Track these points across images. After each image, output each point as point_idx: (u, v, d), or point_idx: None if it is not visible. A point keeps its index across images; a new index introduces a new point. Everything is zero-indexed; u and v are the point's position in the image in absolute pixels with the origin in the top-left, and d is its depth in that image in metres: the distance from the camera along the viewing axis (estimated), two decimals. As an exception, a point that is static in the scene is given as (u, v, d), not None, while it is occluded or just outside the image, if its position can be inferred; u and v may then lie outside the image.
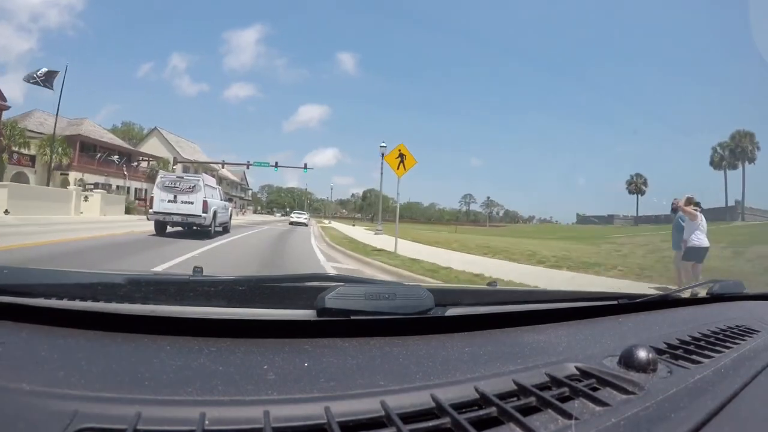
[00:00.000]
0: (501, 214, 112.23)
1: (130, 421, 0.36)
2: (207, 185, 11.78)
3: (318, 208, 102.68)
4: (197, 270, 0.91)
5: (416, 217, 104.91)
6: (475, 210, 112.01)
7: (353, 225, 40.42)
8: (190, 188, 11.34)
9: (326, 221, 49.71)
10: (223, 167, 40.89)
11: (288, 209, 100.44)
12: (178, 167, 35.30)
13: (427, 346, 0.65)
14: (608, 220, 74.32)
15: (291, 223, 31.22)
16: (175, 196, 11.25)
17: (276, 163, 32.95)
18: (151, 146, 41.28)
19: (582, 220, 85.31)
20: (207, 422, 0.38)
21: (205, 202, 11.25)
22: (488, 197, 79.67)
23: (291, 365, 0.52)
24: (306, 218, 35.64)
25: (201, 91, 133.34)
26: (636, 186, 66.01)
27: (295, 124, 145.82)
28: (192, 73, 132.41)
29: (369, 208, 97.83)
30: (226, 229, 14.32)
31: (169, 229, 11.78)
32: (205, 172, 13.89)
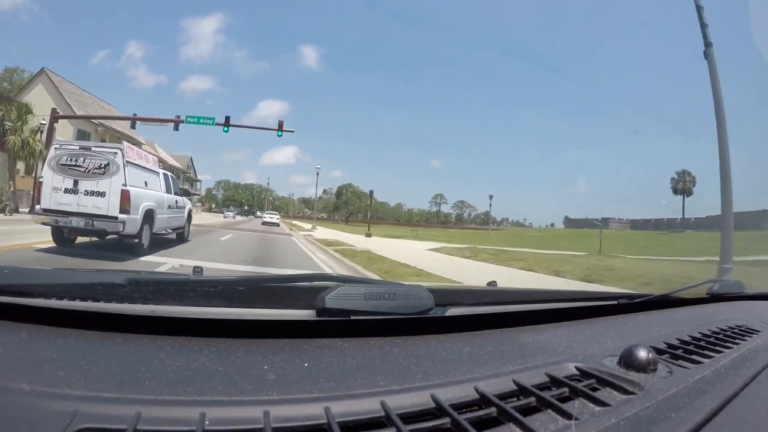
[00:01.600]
0: (471, 216, 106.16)
1: (130, 422, 0.36)
2: (131, 163, 6.83)
3: (280, 207, 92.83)
4: (197, 270, 0.91)
5: (385, 218, 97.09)
6: (444, 211, 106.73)
7: (368, 235, 23.87)
8: (99, 168, 6.42)
9: (308, 226, 32.43)
10: (133, 126, 22.60)
11: (246, 207, 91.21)
12: (65, 129, 20.74)
13: (427, 346, 0.65)
14: (604, 223, 70.05)
15: (263, 223, 30.61)
16: (75, 183, 6.38)
17: (227, 119, 18.95)
18: (35, 98, 22.87)
19: (574, 223, 79.51)
20: (207, 422, 0.38)
21: (125, 194, 6.37)
22: (491, 196, 67.72)
23: (291, 365, 0.52)
24: (278, 218, 35.23)
25: (158, 83, 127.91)
26: (684, 185, 55.88)
27: (254, 120, 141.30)
28: (148, 63, 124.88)
29: (345, 206, 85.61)
30: (181, 237, 9.76)
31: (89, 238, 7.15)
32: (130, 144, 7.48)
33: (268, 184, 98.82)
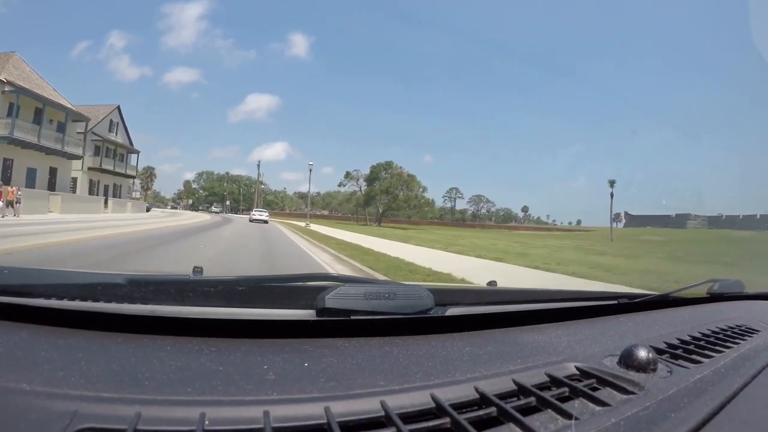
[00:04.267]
0: (489, 212, 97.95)
1: (130, 422, 0.36)
2: None
3: (273, 202, 79.22)
4: (197, 270, 0.91)
5: (396, 217, 71.17)
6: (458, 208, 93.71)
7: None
8: None
9: (364, 242, 14.08)
10: None
11: (228, 202, 78.48)
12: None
13: (427, 346, 0.65)
14: (680, 221, 57.75)
15: (252, 221, 29.93)
16: None
17: None
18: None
19: (638, 221, 63.45)
20: (207, 422, 0.38)
21: None
22: (612, 181, 42.03)
23: (291, 365, 0.52)
24: (267, 216, 33.92)
25: (142, 76, 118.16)
26: None
27: (241, 115, 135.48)
28: (131, 54, 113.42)
29: (383, 197, 54.31)
30: None
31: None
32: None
33: (259, 173, 72.79)
